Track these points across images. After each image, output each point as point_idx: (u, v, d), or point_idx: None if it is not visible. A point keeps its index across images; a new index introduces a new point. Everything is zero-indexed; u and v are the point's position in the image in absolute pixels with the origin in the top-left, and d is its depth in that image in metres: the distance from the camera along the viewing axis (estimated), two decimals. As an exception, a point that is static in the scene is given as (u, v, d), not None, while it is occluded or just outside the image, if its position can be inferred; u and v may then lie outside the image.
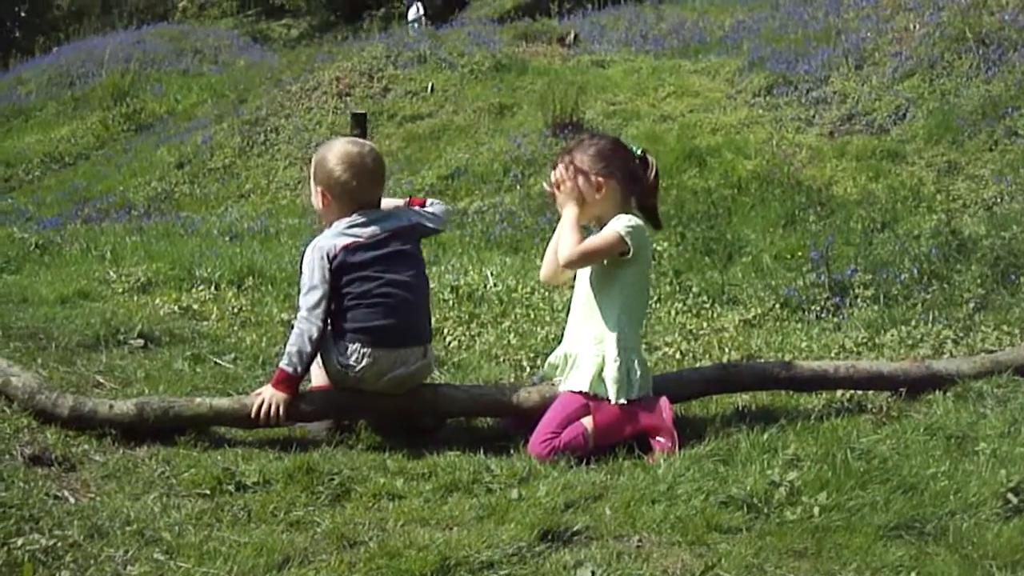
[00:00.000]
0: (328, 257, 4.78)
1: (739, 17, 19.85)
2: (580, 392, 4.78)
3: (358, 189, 4.90)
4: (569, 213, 4.97)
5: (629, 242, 4.83)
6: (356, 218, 4.87)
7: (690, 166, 12.25)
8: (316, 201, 5.02)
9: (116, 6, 48.39)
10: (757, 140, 13.00)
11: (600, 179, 4.98)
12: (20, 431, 4.35)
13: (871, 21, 15.71)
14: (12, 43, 40.73)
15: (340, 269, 4.78)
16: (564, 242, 4.91)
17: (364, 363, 4.75)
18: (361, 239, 4.81)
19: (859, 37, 15.13)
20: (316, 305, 4.74)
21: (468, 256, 9.13)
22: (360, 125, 5.68)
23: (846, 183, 11.11)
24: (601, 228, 4.99)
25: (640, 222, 4.96)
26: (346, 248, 4.79)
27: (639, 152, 5.16)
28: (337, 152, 4.92)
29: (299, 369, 4.73)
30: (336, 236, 4.84)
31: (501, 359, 6.29)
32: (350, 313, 4.81)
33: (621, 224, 4.85)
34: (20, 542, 3.34)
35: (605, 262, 4.91)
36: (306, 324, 4.73)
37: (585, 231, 5.02)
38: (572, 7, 24.43)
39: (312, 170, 5.03)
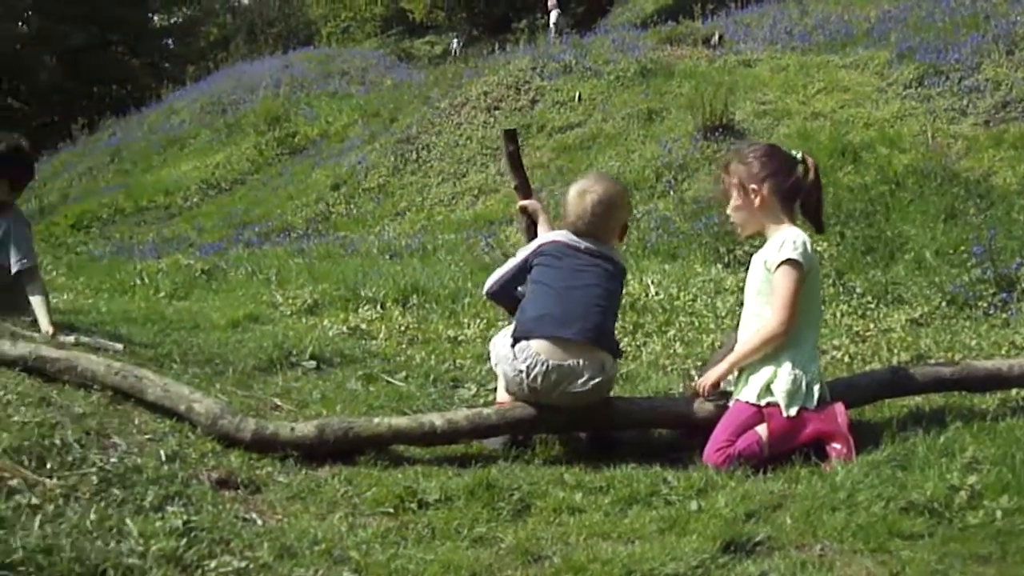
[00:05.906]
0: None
1: (884, 8, 19.49)
2: (750, 402, 4.78)
3: (577, 220, 5.08)
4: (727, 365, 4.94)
5: (803, 263, 4.79)
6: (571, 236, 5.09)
7: (844, 163, 12.09)
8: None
9: (261, 33, 49.50)
10: (911, 133, 12.78)
11: (756, 188, 4.97)
12: (205, 456, 4.45)
13: (1021, 5, 15.35)
14: (163, 74, 41.90)
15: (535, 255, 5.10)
16: (768, 338, 4.80)
17: (537, 369, 4.80)
18: (565, 241, 5.04)
19: (1009, 22, 14.78)
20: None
21: (627, 264, 9.08)
22: (512, 141, 5.72)
23: (1005, 173, 10.88)
24: (765, 239, 4.98)
25: (804, 236, 4.89)
26: (549, 242, 5.09)
27: (798, 156, 5.11)
28: (577, 186, 5.19)
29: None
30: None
31: (668, 369, 6.30)
32: (525, 306, 4.98)
33: (787, 252, 4.79)
34: (213, 564, 3.38)
35: (771, 274, 4.87)
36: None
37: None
38: (715, 7, 24.20)
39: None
